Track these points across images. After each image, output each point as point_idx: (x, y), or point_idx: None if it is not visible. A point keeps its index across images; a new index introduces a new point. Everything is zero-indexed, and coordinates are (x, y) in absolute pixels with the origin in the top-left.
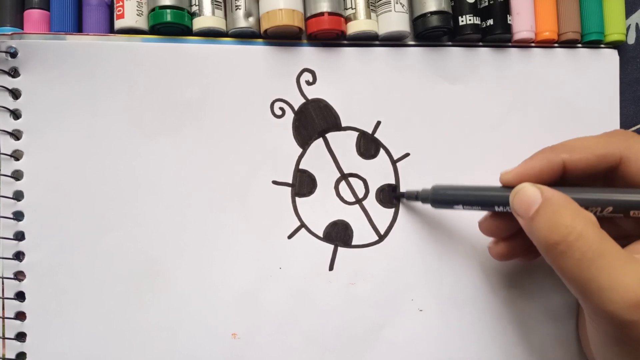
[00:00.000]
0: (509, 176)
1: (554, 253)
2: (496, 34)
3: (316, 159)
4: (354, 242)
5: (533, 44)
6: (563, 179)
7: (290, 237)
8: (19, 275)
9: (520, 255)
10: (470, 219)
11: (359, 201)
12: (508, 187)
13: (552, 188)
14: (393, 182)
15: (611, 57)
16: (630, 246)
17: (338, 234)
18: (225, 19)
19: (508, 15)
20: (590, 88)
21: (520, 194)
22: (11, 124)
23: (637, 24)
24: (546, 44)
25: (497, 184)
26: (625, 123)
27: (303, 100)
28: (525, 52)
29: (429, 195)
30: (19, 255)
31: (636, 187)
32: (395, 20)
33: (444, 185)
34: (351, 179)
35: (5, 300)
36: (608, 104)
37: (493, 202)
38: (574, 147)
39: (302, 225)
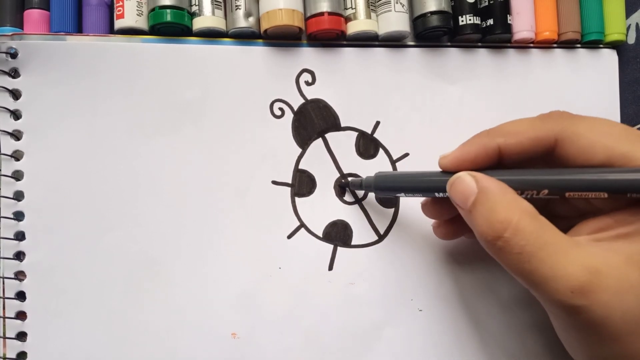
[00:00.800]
0: (446, 161)
1: (493, 249)
2: (496, 33)
3: (316, 159)
4: (353, 242)
5: (533, 44)
6: (501, 163)
7: (289, 237)
8: (19, 275)
9: (464, 234)
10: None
11: (358, 201)
12: (447, 172)
13: (488, 175)
14: None
15: (610, 58)
16: (574, 229)
17: (338, 234)
18: (225, 19)
19: (508, 15)
20: (589, 88)
21: (456, 184)
22: (11, 125)
23: (637, 24)
24: (546, 43)
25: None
26: (625, 123)
27: (302, 101)
28: (524, 52)
29: (371, 183)
30: (19, 255)
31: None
32: (395, 20)
33: (386, 173)
34: (351, 179)
35: (6, 300)
36: (608, 104)
37: (433, 189)
38: (509, 131)
39: (302, 225)
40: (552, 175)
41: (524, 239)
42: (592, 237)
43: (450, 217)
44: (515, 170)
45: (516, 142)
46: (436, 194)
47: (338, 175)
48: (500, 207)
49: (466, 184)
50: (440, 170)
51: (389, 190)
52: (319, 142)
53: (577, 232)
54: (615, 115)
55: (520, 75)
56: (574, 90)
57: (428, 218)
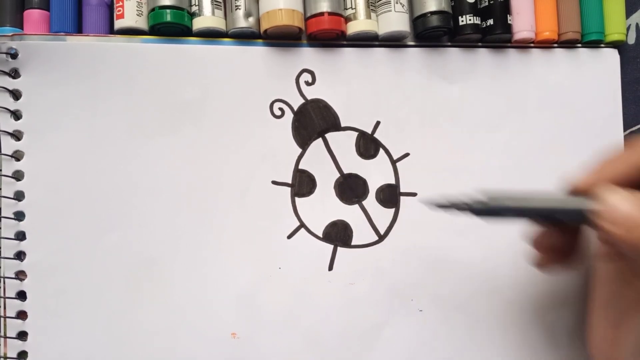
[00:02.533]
0: (584, 180)
1: None
2: (496, 33)
3: (316, 159)
4: (353, 242)
5: (533, 44)
6: None
7: (289, 237)
8: (20, 275)
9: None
10: (471, 218)
11: (358, 201)
12: (579, 194)
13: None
14: (393, 182)
15: (611, 57)
16: None
17: (338, 234)
18: (225, 19)
19: (508, 15)
20: (591, 88)
21: (612, 204)
22: (12, 125)
23: (637, 24)
24: (546, 43)
25: (506, 184)
26: (625, 123)
27: (302, 101)
28: (525, 52)
29: (483, 207)
30: (20, 255)
31: None
32: (395, 20)
33: (500, 195)
34: (351, 179)
35: (7, 299)
36: (610, 104)
37: (565, 214)
38: None
39: (302, 225)
40: None
41: None
42: None
43: (564, 249)
44: None
45: None
46: (566, 219)
47: (338, 175)
48: None
49: (627, 204)
50: (569, 192)
51: (504, 214)
52: (319, 142)
53: None
54: (618, 116)
55: (521, 75)
56: (576, 91)
57: (432, 222)
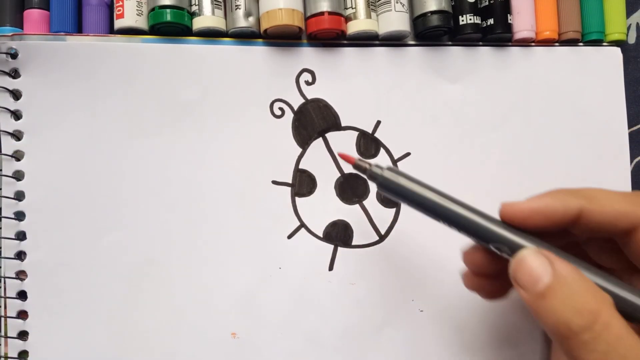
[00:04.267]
0: (512, 211)
1: (575, 342)
2: (496, 33)
3: (316, 159)
4: (354, 242)
5: (534, 44)
6: (570, 230)
7: (290, 237)
8: (20, 275)
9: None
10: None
11: (359, 201)
12: (505, 223)
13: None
14: None
15: (614, 55)
16: None
17: (338, 234)
18: (225, 19)
19: (508, 15)
20: (593, 87)
21: (525, 263)
22: (12, 125)
23: (637, 24)
24: (547, 43)
25: (507, 183)
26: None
27: (302, 100)
28: (527, 50)
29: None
30: (20, 255)
31: None
32: (396, 20)
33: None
34: (351, 179)
35: (8, 299)
36: (613, 102)
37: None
38: (595, 197)
39: (302, 225)
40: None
41: (614, 337)
42: None
43: (491, 273)
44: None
45: (600, 211)
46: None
47: (339, 174)
48: (587, 294)
49: (536, 265)
50: (497, 218)
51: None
52: (319, 141)
53: None
54: (622, 115)
55: (523, 74)
56: (578, 89)
57: (433, 222)
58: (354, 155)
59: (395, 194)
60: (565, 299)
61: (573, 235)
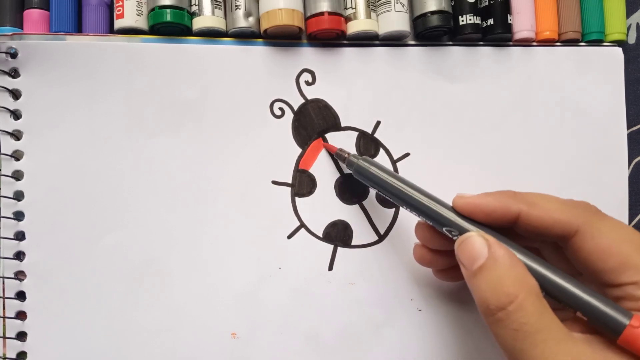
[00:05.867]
0: (462, 202)
1: (491, 319)
2: (496, 33)
3: (316, 159)
4: (353, 242)
5: (534, 44)
6: (512, 228)
7: (289, 237)
8: (19, 275)
9: (444, 270)
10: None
11: (358, 201)
12: (456, 211)
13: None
14: None
15: (615, 55)
16: (570, 321)
17: (338, 234)
18: (225, 19)
19: (508, 15)
20: (594, 87)
21: (466, 243)
22: (11, 125)
23: (637, 24)
24: (547, 43)
25: (508, 183)
26: (626, 123)
27: (302, 101)
28: (527, 50)
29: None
30: (19, 255)
31: (582, 264)
32: (396, 20)
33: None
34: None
35: (6, 299)
36: (613, 103)
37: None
38: (535, 203)
39: (302, 225)
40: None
41: (525, 318)
42: (586, 336)
43: (439, 249)
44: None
45: (538, 216)
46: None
47: (338, 175)
48: (509, 279)
49: (477, 246)
50: (450, 205)
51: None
52: (319, 142)
53: (571, 326)
54: (621, 114)
55: (523, 74)
56: (578, 89)
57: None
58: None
59: (367, 180)
60: (490, 279)
61: (524, 239)
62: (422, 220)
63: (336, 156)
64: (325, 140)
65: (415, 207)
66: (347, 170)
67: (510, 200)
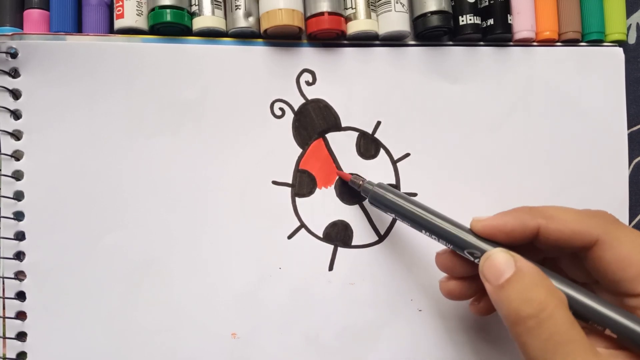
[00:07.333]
0: (480, 226)
1: (522, 328)
2: (496, 33)
3: (316, 159)
4: (353, 243)
5: (534, 44)
6: (532, 243)
7: (290, 237)
8: (19, 275)
9: (470, 298)
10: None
11: (358, 201)
12: (476, 234)
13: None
14: (394, 182)
15: (616, 55)
16: (593, 335)
17: (338, 234)
18: (225, 19)
19: (508, 15)
20: (595, 87)
21: (492, 259)
22: (11, 124)
23: (637, 24)
24: (547, 43)
25: (507, 183)
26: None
27: (303, 101)
28: (528, 50)
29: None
30: (19, 255)
31: (601, 273)
32: (396, 20)
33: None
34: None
35: (6, 300)
36: (613, 103)
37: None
38: (552, 215)
39: (302, 225)
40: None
41: (556, 327)
42: (610, 351)
43: (463, 276)
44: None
45: (557, 229)
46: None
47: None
48: (540, 288)
49: (503, 260)
50: (468, 228)
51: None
52: (319, 142)
53: (595, 341)
54: (621, 114)
55: (523, 74)
56: (579, 89)
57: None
58: (351, 171)
59: (384, 207)
60: (520, 289)
61: (543, 252)
62: (440, 251)
63: (351, 183)
64: (325, 140)
65: (435, 231)
66: (347, 170)
67: (527, 216)
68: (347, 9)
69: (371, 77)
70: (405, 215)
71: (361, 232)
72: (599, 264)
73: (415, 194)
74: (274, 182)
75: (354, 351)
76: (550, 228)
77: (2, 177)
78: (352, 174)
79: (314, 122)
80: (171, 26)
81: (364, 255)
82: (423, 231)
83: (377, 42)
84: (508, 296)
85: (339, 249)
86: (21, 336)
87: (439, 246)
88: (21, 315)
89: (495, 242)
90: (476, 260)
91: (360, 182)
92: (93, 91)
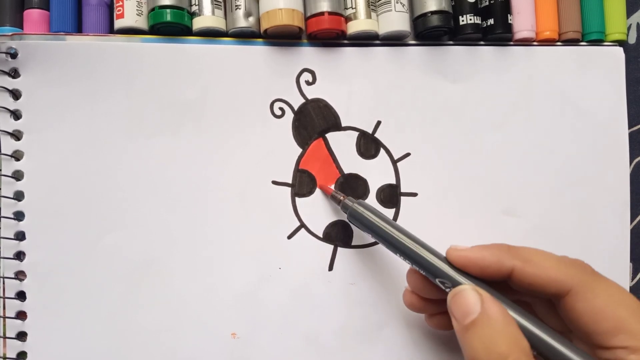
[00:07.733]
0: (455, 256)
1: None
2: (497, 33)
3: (316, 159)
4: (353, 242)
5: (534, 44)
6: (505, 282)
7: (290, 237)
8: (19, 275)
9: (435, 318)
10: (470, 219)
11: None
12: (450, 263)
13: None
14: (394, 182)
15: (616, 55)
16: None
17: (338, 234)
18: (225, 19)
19: (509, 15)
20: (595, 87)
21: (459, 296)
22: (12, 125)
23: (637, 24)
24: (547, 43)
25: (508, 184)
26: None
27: (303, 100)
28: (528, 50)
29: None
30: (19, 255)
31: (574, 323)
32: (396, 20)
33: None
34: (351, 179)
35: (6, 299)
36: (614, 102)
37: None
38: (531, 260)
39: (302, 225)
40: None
41: None
42: None
43: (432, 298)
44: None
45: (532, 273)
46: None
47: (339, 175)
48: (502, 338)
49: (470, 300)
50: (443, 256)
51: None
52: (319, 142)
53: None
54: (622, 114)
55: (524, 74)
56: (579, 89)
57: (432, 222)
58: (332, 187)
59: (361, 225)
60: (482, 337)
61: (518, 293)
62: (412, 269)
63: (331, 198)
64: (325, 140)
65: (409, 256)
66: (347, 170)
67: (504, 255)
68: (347, 8)
69: (371, 76)
70: (381, 235)
71: (361, 232)
72: (572, 314)
73: (415, 194)
74: (274, 182)
75: (354, 351)
76: (525, 271)
77: (2, 177)
78: (333, 189)
79: (314, 121)
80: (171, 26)
81: (364, 255)
82: (398, 254)
83: (377, 42)
84: (471, 342)
85: (339, 249)
86: (21, 336)
87: (440, 243)
88: (21, 315)
89: (469, 274)
90: (447, 290)
91: (341, 198)
92: (93, 91)
